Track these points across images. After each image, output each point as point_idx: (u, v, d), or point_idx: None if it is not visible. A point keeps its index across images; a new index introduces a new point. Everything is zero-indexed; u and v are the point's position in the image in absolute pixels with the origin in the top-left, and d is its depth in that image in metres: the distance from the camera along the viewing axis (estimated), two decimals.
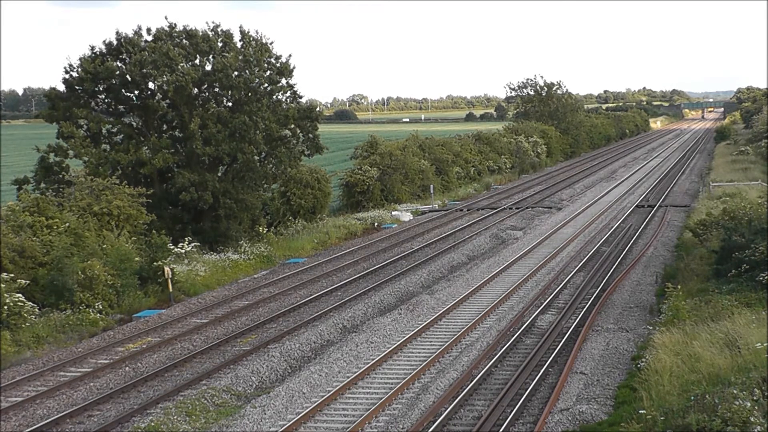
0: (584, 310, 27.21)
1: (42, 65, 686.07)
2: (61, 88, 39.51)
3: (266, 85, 42.66)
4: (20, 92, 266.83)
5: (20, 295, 26.20)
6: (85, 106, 39.56)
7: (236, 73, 40.76)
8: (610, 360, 22.17)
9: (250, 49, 41.58)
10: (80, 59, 38.99)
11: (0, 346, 24.24)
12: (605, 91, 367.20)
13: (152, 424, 18.53)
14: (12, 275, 26.79)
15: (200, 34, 40.92)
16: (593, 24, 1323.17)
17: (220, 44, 41.55)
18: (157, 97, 40.23)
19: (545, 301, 28.98)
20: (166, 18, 41.50)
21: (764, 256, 24.65)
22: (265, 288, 33.41)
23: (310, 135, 44.89)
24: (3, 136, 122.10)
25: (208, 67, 41.10)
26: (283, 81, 43.47)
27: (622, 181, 73.55)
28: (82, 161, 38.33)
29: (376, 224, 49.75)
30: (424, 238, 44.79)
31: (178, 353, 24.91)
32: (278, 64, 42.87)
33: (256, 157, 42.19)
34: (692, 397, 15.18)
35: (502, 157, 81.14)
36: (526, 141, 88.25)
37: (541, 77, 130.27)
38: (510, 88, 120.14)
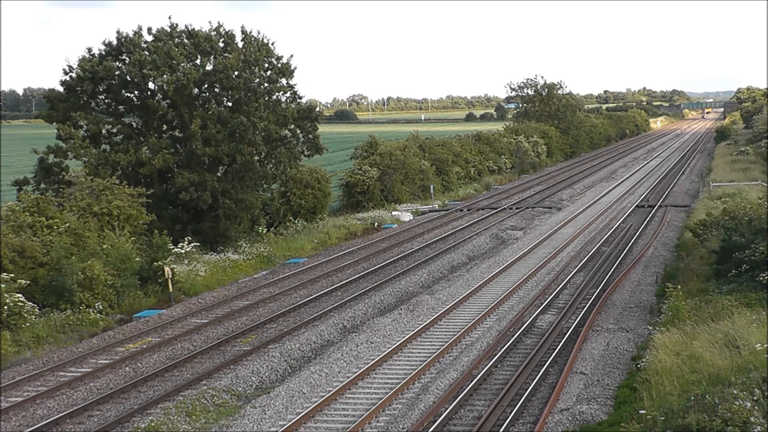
0: (584, 310, 27.19)
1: (42, 65, 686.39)
2: (61, 89, 39.47)
3: (265, 84, 42.67)
4: (20, 92, 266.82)
5: (20, 295, 26.20)
6: (85, 106, 39.54)
7: (236, 73, 40.77)
8: (610, 360, 22.17)
9: (251, 49, 41.59)
10: (79, 60, 38.98)
11: (0, 346, 24.24)
12: (605, 91, 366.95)
13: (152, 424, 18.52)
14: (12, 275, 26.78)
15: (202, 34, 40.95)
16: (593, 24, 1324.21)
17: (221, 44, 41.57)
18: (157, 98, 40.24)
19: (545, 301, 28.97)
20: (169, 18, 41.66)
21: (764, 256, 24.63)
22: (265, 288, 33.40)
23: (310, 135, 44.92)
24: (3, 136, 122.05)
25: (209, 67, 41.11)
26: (283, 81, 43.51)
27: (622, 181, 73.55)
28: (82, 162, 38.34)
29: (376, 224, 49.75)
30: (424, 238, 44.78)
31: (178, 353, 24.91)
32: (279, 65, 42.91)
33: (256, 158, 42.22)
34: (692, 398, 15.16)
35: (502, 157, 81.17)
36: (526, 141, 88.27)
37: (542, 77, 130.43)
38: (510, 88, 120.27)
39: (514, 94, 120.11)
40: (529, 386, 19.84)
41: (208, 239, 40.47)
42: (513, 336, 24.58)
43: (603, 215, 51.28)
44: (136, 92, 40.79)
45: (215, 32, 41.57)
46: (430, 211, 56.24)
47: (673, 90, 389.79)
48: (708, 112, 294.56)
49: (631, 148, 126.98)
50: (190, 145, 39.77)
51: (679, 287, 24.88)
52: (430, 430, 17.66)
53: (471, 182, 71.87)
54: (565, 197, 61.70)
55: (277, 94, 43.65)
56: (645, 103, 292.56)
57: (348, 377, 21.25)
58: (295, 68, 43.43)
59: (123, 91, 40.39)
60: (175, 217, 40.71)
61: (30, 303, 26.74)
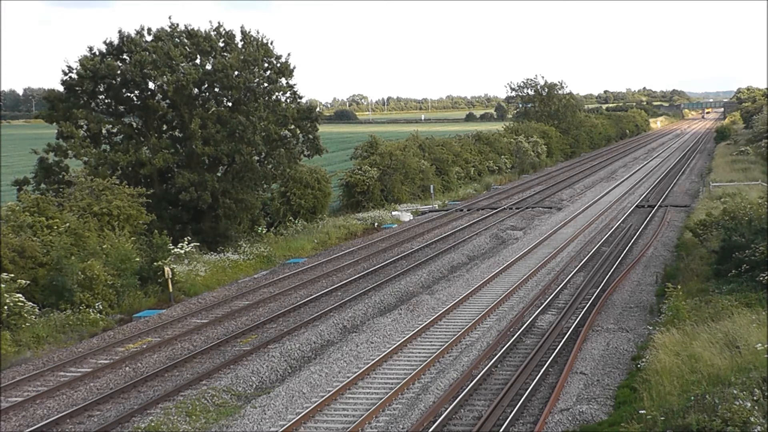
0: (584, 310, 27.20)
1: (42, 65, 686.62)
2: (61, 89, 39.41)
3: (265, 84, 42.66)
4: (20, 92, 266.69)
5: (20, 295, 26.20)
6: (85, 106, 39.53)
7: (236, 73, 40.77)
8: (610, 360, 22.17)
9: (251, 49, 41.59)
10: (80, 58, 38.98)
11: (0, 346, 24.24)
12: (605, 91, 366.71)
13: (152, 424, 18.52)
14: (12, 275, 26.78)
15: (202, 33, 40.95)
16: (593, 24, 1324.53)
17: (221, 44, 41.57)
18: (157, 98, 40.23)
19: (545, 301, 28.97)
20: (169, 18, 41.68)
21: (764, 256, 24.63)
22: (265, 288, 33.41)
23: (310, 136, 44.90)
24: (3, 136, 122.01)
25: (208, 67, 41.10)
26: (283, 81, 43.50)
27: (622, 181, 73.55)
28: (82, 162, 38.34)
29: (376, 224, 49.75)
30: (424, 238, 44.79)
31: (178, 353, 24.91)
32: (278, 64, 42.90)
33: (256, 158, 42.22)
34: (692, 398, 15.16)
35: (502, 157, 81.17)
36: (526, 141, 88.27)
37: (542, 77, 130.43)
38: (510, 88, 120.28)
39: (514, 94, 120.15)
40: (529, 386, 19.84)
41: (208, 239, 40.47)
42: (513, 336, 24.58)
43: (603, 215, 51.28)
44: (136, 92, 40.77)
45: (215, 32, 41.57)
46: (430, 211, 56.24)
47: (673, 90, 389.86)
48: (708, 112, 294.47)
49: (631, 148, 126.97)
50: (190, 145, 39.76)
51: (679, 287, 24.86)
52: (430, 430, 17.66)
53: (471, 182, 71.87)
54: (565, 197, 61.69)
55: (276, 94, 43.64)
56: (645, 103, 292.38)
57: (348, 377, 21.25)
58: (294, 67, 43.44)
59: (123, 90, 40.38)
60: (175, 217, 40.71)
61: (30, 303, 26.73)
